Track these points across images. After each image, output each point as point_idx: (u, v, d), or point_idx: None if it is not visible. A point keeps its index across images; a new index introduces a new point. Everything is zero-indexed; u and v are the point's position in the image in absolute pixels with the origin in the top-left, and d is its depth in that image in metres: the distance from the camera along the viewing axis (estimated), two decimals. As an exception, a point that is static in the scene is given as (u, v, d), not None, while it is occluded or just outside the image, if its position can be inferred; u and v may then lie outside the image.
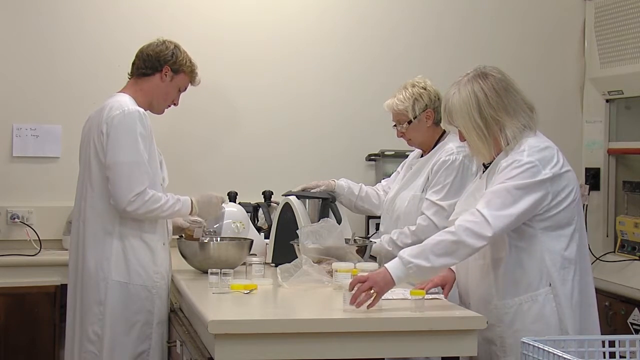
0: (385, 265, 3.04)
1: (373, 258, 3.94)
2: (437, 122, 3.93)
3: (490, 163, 3.21)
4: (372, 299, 2.98)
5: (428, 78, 4.02)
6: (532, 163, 3.03)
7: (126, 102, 3.67)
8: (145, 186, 3.57)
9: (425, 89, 3.94)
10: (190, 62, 3.84)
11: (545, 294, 3.06)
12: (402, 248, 3.70)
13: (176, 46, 3.83)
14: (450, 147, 3.85)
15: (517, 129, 3.12)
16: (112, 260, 3.63)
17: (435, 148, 3.95)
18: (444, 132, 3.95)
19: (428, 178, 3.88)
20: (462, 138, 3.22)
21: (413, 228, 3.83)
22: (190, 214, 3.76)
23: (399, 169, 4.20)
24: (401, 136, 4.01)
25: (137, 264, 3.65)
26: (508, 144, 3.12)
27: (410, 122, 3.93)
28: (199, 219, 3.87)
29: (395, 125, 4.01)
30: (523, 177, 3.01)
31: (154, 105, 3.82)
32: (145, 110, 3.75)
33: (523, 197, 3.00)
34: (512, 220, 3.00)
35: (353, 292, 2.97)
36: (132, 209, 3.56)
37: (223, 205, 4.12)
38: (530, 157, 3.05)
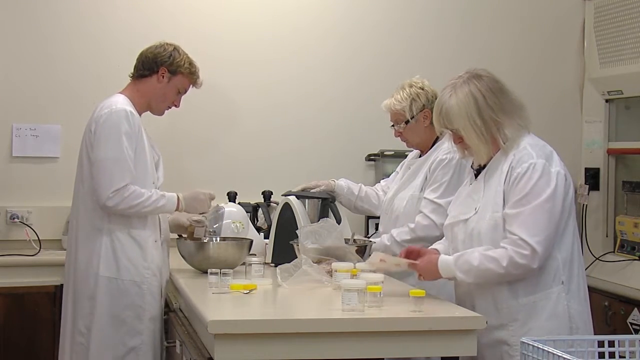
0: (439, 261, 3.15)
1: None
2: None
3: (482, 165, 3.22)
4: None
5: (428, 78, 4.02)
6: (544, 163, 3.06)
7: (117, 101, 3.71)
8: (125, 182, 3.59)
9: (422, 89, 3.94)
10: (190, 64, 3.84)
11: (558, 292, 3.09)
12: (401, 244, 3.73)
13: (175, 48, 3.84)
14: (447, 146, 3.85)
15: (515, 129, 3.15)
16: (101, 256, 3.67)
17: (433, 148, 3.96)
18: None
19: (426, 177, 3.89)
20: (457, 140, 3.22)
21: (412, 225, 3.83)
22: (177, 209, 3.75)
23: (397, 169, 4.21)
24: (398, 136, 4.01)
25: (125, 259, 3.68)
26: (506, 143, 3.14)
27: (407, 122, 3.93)
28: (201, 217, 3.87)
29: (393, 125, 4.02)
30: (546, 184, 3.04)
31: (153, 106, 3.85)
32: (145, 111, 3.79)
33: (556, 207, 3.04)
34: (553, 237, 3.05)
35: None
36: (111, 204, 3.59)
37: (222, 205, 4.13)
38: (540, 157, 3.08)
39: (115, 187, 3.58)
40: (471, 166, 3.31)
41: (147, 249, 3.72)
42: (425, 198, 3.85)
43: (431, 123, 3.90)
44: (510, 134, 3.14)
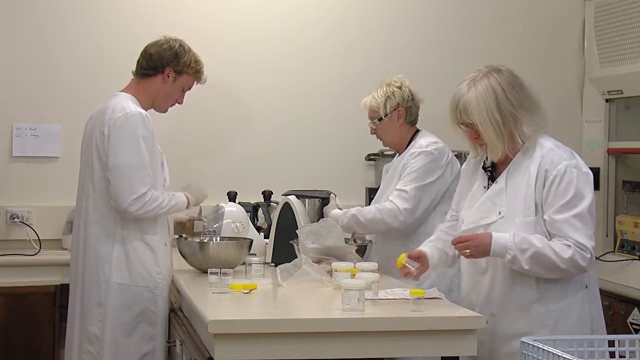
0: (494, 235, 3.02)
1: (363, 254, 3.94)
2: (410, 122, 4.01)
3: (493, 165, 3.19)
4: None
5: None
6: (577, 164, 3.05)
7: (128, 103, 3.65)
8: (147, 188, 3.56)
9: (400, 88, 4.01)
10: (196, 62, 3.79)
11: (583, 297, 3.08)
12: (363, 223, 3.86)
13: (181, 45, 3.78)
14: (421, 143, 3.95)
15: (533, 126, 3.08)
16: (113, 262, 3.62)
17: (407, 147, 4.00)
18: (417, 131, 4.00)
19: (400, 175, 3.92)
20: (473, 136, 3.13)
21: (379, 207, 3.89)
22: (188, 206, 3.75)
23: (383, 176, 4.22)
24: (373, 133, 4.08)
25: (139, 265, 3.64)
26: (523, 143, 3.07)
27: (380, 119, 3.99)
28: (199, 212, 3.88)
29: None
30: (586, 186, 3.03)
31: (157, 105, 3.81)
32: (148, 109, 3.74)
33: (595, 209, 3.06)
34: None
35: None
36: (133, 210, 3.55)
37: (222, 205, 4.14)
38: (572, 159, 3.06)
39: (137, 193, 3.53)
40: (482, 167, 3.24)
41: (159, 254, 3.69)
42: (395, 189, 3.90)
43: (406, 122, 3.97)
44: (528, 131, 3.07)
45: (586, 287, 3.08)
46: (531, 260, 2.98)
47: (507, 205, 3.08)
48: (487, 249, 3.02)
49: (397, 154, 4.09)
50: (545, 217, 3.02)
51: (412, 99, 4.00)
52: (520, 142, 3.08)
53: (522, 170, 3.09)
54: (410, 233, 3.88)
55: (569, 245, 2.96)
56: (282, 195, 4.13)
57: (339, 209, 4.07)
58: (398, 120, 4.00)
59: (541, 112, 3.14)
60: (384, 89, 4.01)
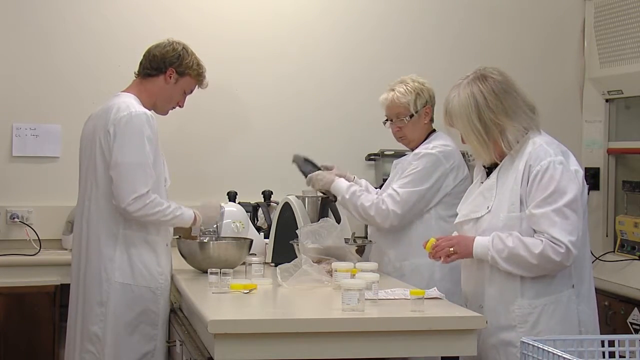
0: (476, 239, 3.10)
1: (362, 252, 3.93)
2: (431, 120, 3.95)
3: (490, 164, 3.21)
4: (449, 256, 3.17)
5: (427, 77, 4.03)
6: (562, 161, 3.04)
7: (132, 103, 3.66)
8: (148, 188, 3.56)
9: (424, 85, 3.94)
10: (198, 65, 3.81)
11: (569, 296, 3.08)
12: (357, 205, 3.81)
13: (184, 48, 3.80)
14: (429, 145, 3.87)
15: (519, 132, 3.10)
16: (115, 262, 3.62)
17: (420, 146, 3.94)
18: (433, 130, 3.97)
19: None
20: (464, 140, 3.20)
21: (376, 200, 3.83)
22: (194, 225, 3.74)
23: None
24: (397, 131, 3.97)
25: (141, 265, 3.65)
26: (510, 149, 3.10)
27: (412, 115, 3.90)
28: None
29: (388, 120, 3.98)
30: (570, 182, 3.02)
31: (158, 106, 3.82)
32: (150, 110, 3.74)
33: (581, 207, 3.04)
34: (581, 237, 3.05)
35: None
36: (132, 209, 3.55)
37: (222, 205, 4.13)
38: (558, 155, 3.06)
39: (138, 192, 3.53)
40: (482, 165, 3.28)
41: (161, 254, 3.70)
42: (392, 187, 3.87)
43: (430, 120, 3.93)
44: (513, 138, 3.09)
45: (573, 286, 3.08)
46: (508, 261, 3.05)
47: (496, 200, 3.13)
48: (470, 251, 3.13)
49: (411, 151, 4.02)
50: (527, 212, 3.05)
51: (433, 96, 3.94)
52: (505, 149, 3.12)
53: (512, 166, 3.12)
54: (402, 234, 3.86)
55: (541, 240, 2.99)
56: (294, 155, 4.12)
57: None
58: (425, 117, 3.92)
59: (530, 115, 3.15)
60: (411, 84, 3.90)
